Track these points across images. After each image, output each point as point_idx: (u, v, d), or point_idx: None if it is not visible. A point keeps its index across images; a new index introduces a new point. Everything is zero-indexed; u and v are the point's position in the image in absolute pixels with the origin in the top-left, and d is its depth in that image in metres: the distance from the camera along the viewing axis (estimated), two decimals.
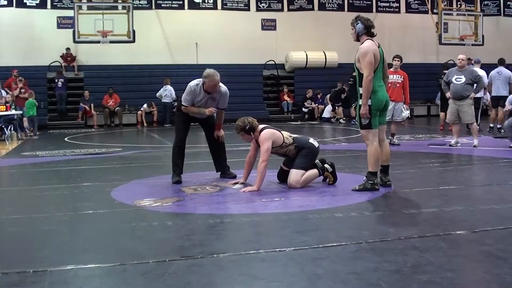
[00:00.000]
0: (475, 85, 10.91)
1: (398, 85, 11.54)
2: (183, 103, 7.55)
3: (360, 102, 6.36)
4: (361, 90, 6.38)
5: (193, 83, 7.48)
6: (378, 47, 6.41)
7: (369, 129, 6.41)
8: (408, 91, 11.73)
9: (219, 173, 7.81)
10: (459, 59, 11.17)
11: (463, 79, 10.85)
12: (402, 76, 11.61)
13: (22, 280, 3.56)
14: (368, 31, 6.46)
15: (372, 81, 6.28)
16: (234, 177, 7.48)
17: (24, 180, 8.42)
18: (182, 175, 7.50)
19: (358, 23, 6.48)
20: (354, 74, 6.77)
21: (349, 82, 20.35)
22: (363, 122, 6.41)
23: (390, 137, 11.81)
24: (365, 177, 6.52)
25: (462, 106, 10.89)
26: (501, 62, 14.95)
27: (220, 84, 7.48)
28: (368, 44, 6.36)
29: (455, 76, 10.98)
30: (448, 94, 11.29)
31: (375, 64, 6.30)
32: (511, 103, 11.77)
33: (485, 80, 13.48)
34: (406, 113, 11.61)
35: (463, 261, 3.89)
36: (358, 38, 6.53)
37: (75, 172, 8.63)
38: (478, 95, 12.71)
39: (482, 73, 12.95)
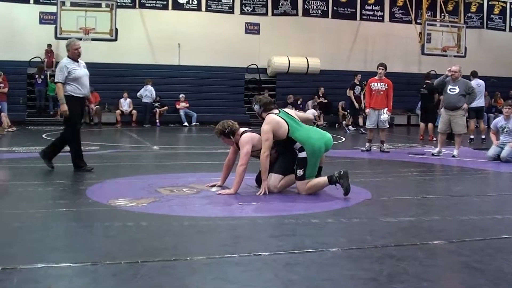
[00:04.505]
0: (467, 96, 10.98)
1: (382, 92, 11.69)
2: (58, 80, 8.04)
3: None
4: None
5: (64, 60, 8.12)
6: (279, 112, 6.71)
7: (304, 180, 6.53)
8: (391, 99, 11.82)
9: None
10: (452, 71, 11.11)
11: (457, 90, 10.90)
12: (386, 84, 11.73)
13: None
14: (265, 108, 6.80)
15: (298, 137, 6.50)
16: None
17: None
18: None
19: (255, 105, 6.88)
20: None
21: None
22: (298, 174, 6.50)
23: (380, 145, 11.89)
24: None
25: (455, 117, 10.93)
26: (474, 74, 15.43)
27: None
28: (268, 119, 6.60)
29: (449, 87, 11.00)
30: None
31: (282, 130, 6.49)
32: (496, 128, 11.08)
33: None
34: (385, 116, 11.62)
35: (440, 271, 3.86)
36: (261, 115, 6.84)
37: (50, 169, 8.50)
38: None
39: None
